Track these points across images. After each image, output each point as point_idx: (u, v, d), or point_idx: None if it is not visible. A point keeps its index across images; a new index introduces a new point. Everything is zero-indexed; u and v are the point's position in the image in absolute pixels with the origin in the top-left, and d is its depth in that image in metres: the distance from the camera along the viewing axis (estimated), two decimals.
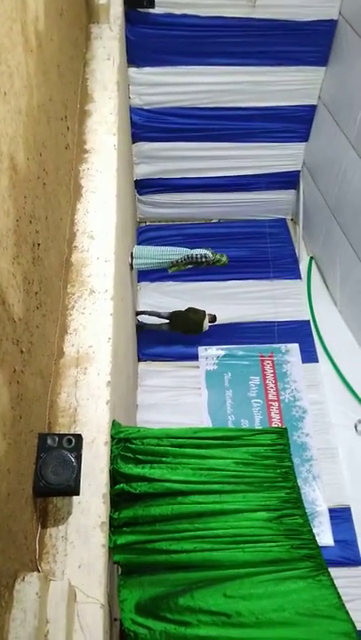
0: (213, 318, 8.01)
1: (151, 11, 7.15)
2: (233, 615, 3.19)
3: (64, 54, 4.57)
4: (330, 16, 7.44)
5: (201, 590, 3.31)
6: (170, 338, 8.32)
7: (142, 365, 8.22)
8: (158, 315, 8.07)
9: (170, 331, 8.06)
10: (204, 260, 6.84)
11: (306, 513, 3.77)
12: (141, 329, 8.20)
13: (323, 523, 7.04)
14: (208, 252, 6.87)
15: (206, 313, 7.92)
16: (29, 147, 3.28)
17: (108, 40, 6.12)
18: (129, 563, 3.59)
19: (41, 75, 3.63)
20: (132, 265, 6.89)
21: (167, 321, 8.02)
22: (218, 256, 6.95)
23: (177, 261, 6.85)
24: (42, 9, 3.74)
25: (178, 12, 7.29)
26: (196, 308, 7.97)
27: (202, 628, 3.18)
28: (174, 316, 7.96)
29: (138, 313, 8.18)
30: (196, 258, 6.81)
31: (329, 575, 3.45)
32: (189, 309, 7.96)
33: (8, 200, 2.82)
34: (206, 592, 3.30)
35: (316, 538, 3.69)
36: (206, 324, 7.91)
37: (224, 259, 7.02)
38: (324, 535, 6.90)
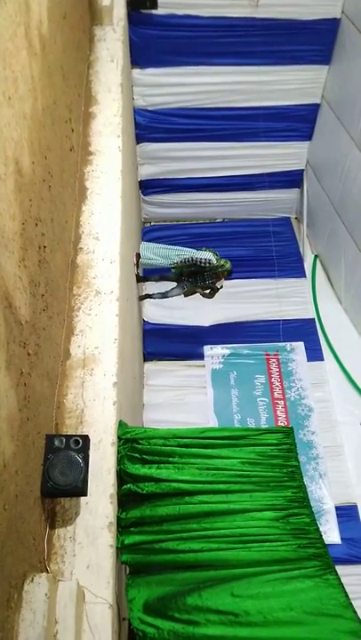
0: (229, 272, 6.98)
1: (154, 12, 7.16)
2: (241, 614, 3.20)
3: (68, 57, 4.59)
4: (332, 15, 7.42)
5: (209, 590, 3.32)
6: (176, 334, 8.32)
7: (148, 365, 8.23)
8: (166, 278, 7.31)
9: (183, 290, 7.19)
10: (207, 264, 6.60)
11: (313, 512, 3.77)
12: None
13: (330, 521, 7.04)
14: (212, 258, 6.60)
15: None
16: (34, 150, 3.30)
17: (112, 42, 6.12)
18: (137, 563, 3.61)
19: (45, 78, 3.65)
20: (137, 267, 6.83)
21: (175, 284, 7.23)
22: (222, 262, 6.66)
23: (179, 262, 6.68)
24: (45, 12, 3.75)
25: (180, 12, 7.29)
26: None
27: (210, 627, 3.19)
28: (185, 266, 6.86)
29: (142, 298, 7.93)
30: (200, 261, 6.59)
31: (336, 574, 3.46)
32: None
33: (14, 204, 2.84)
34: (214, 591, 3.31)
35: (324, 536, 3.70)
36: (222, 282, 7.02)
37: (228, 265, 6.69)
38: (331, 533, 6.90)
